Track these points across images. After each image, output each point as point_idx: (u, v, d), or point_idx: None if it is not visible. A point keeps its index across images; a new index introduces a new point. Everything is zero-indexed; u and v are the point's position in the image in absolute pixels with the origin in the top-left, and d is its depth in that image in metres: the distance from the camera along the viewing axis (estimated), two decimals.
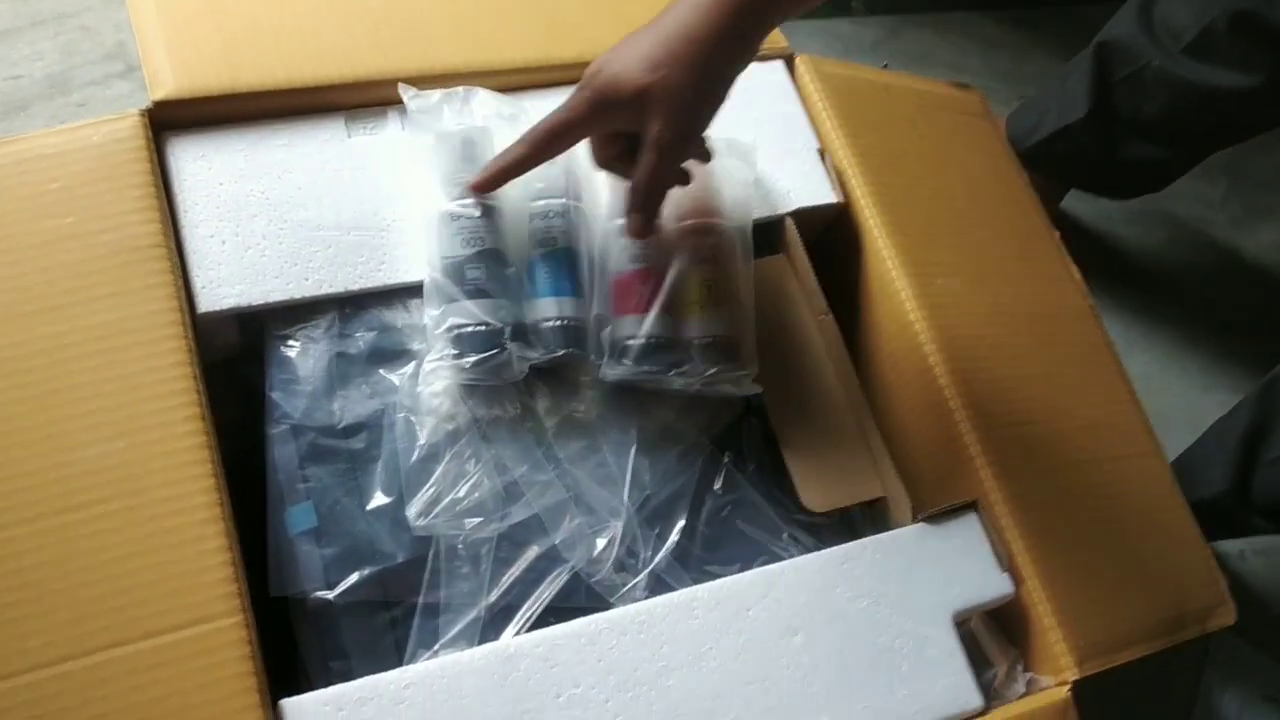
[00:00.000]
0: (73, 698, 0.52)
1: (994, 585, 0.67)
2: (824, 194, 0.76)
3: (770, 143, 0.77)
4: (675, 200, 0.69)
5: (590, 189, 0.69)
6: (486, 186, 0.64)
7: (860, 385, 0.71)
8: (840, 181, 0.77)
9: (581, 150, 0.69)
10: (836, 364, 0.72)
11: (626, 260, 0.67)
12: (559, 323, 0.65)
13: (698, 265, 0.68)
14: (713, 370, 0.66)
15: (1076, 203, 1.26)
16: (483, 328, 0.63)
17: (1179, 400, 1.15)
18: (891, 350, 0.75)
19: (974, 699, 0.63)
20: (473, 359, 0.62)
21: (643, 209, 0.63)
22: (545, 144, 0.62)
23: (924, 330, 0.73)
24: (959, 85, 0.95)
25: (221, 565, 0.55)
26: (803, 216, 0.76)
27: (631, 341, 0.65)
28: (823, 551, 0.65)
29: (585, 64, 0.75)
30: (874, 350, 0.76)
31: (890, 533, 0.67)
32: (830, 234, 0.79)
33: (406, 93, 0.67)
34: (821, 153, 0.78)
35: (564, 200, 0.66)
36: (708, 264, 0.68)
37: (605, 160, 0.65)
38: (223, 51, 0.67)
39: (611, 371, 0.65)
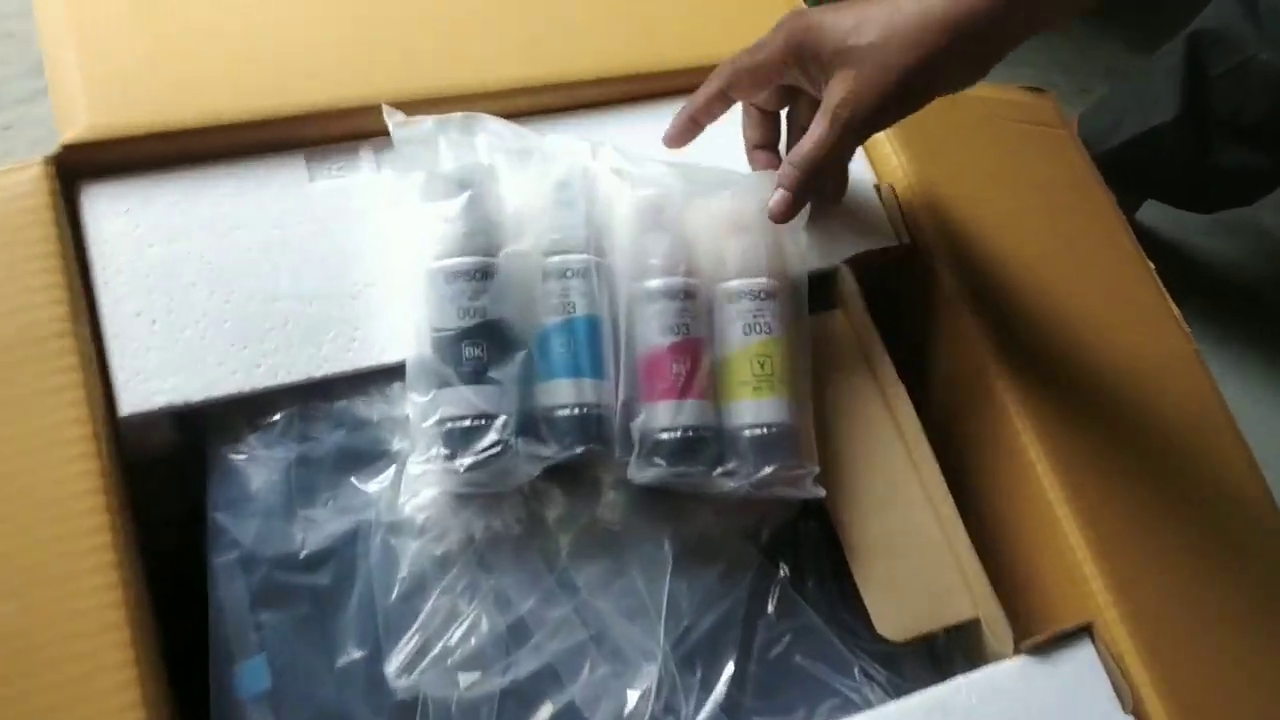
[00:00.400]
0: None
1: None
2: (884, 235, 0.63)
3: None
4: (718, 255, 0.56)
5: (613, 241, 0.55)
6: (679, 141, 0.58)
7: (943, 477, 0.58)
8: (903, 218, 0.64)
9: (604, 191, 0.55)
10: (911, 448, 0.59)
11: (658, 330, 0.54)
12: (576, 411, 0.51)
13: (749, 336, 0.54)
14: (767, 469, 0.53)
15: (1149, 211, 1.12)
16: (482, 421, 0.50)
17: (1275, 438, 1.02)
18: (976, 428, 0.61)
19: None
20: (469, 459, 0.49)
21: (795, 188, 0.55)
22: (737, 83, 0.56)
23: (1014, 402, 0.59)
24: (1030, 89, 0.81)
25: None
26: (859, 263, 0.63)
27: (666, 434, 0.52)
28: (905, 700, 0.52)
29: (596, 82, 0.63)
30: (954, 429, 0.62)
31: (987, 670, 0.54)
32: (892, 283, 0.65)
33: (392, 118, 0.54)
34: (878, 186, 0.65)
35: (585, 256, 0.53)
36: (761, 334, 0.54)
37: (757, 140, 0.60)
38: (151, 76, 0.54)
39: (641, 473, 0.52)
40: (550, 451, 0.50)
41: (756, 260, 0.56)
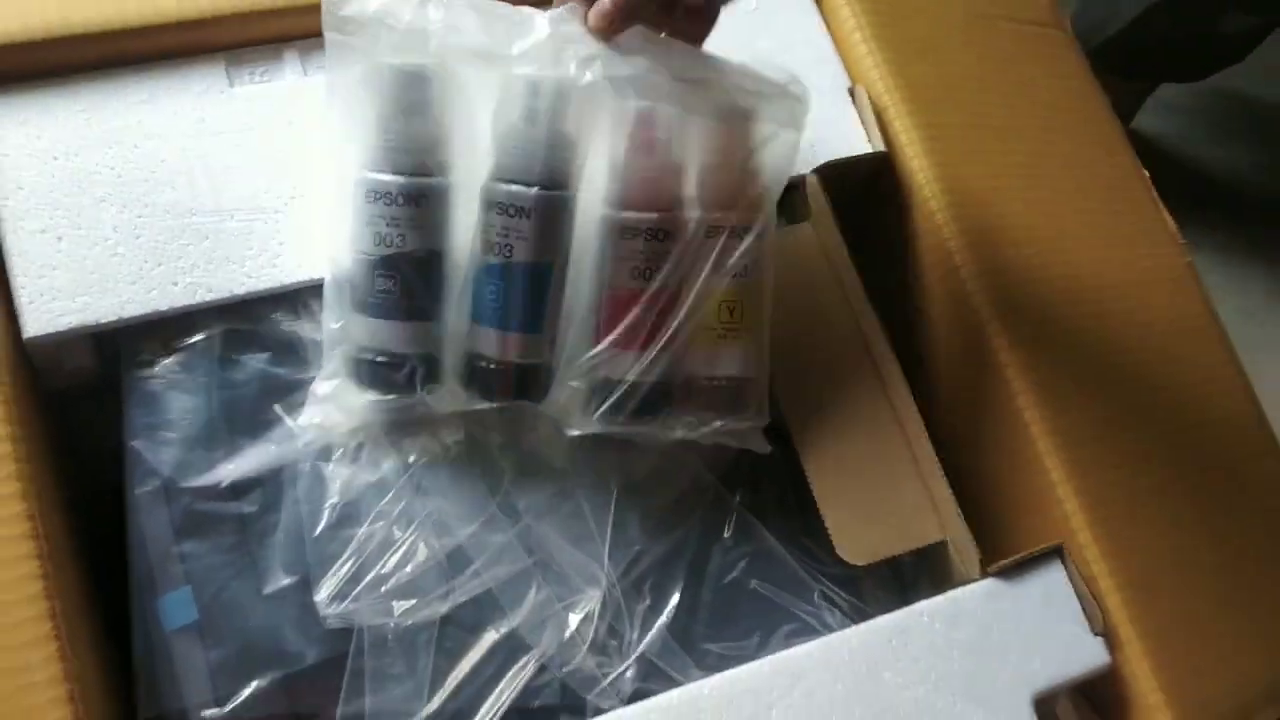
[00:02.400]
0: None
1: (1085, 654, 0.52)
2: (858, 142, 0.59)
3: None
4: (701, 184, 0.50)
5: (590, 159, 0.49)
6: (608, 26, 0.46)
7: (912, 396, 0.55)
8: (880, 124, 0.60)
9: (586, 99, 0.48)
10: (879, 366, 0.56)
11: (629, 273, 0.48)
12: (497, 367, 0.47)
13: (722, 277, 0.50)
14: (716, 423, 0.50)
15: (1151, 120, 1.07)
16: (383, 360, 0.47)
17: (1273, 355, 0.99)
18: (950, 346, 0.58)
19: None
20: (376, 397, 0.47)
21: None
22: None
23: (991, 318, 0.56)
24: None
25: (55, 702, 0.40)
26: (831, 173, 0.59)
27: (626, 391, 0.48)
28: (866, 625, 0.50)
29: None
30: (928, 347, 0.59)
31: (951, 595, 0.51)
32: (867, 195, 0.62)
33: None
34: (851, 90, 0.61)
35: (537, 191, 0.46)
36: (737, 277, 0.50)
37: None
38: None
39: (588, 428, 0.49)
40: (468, 403, 0.48)
41: (741, 191, 0.50)
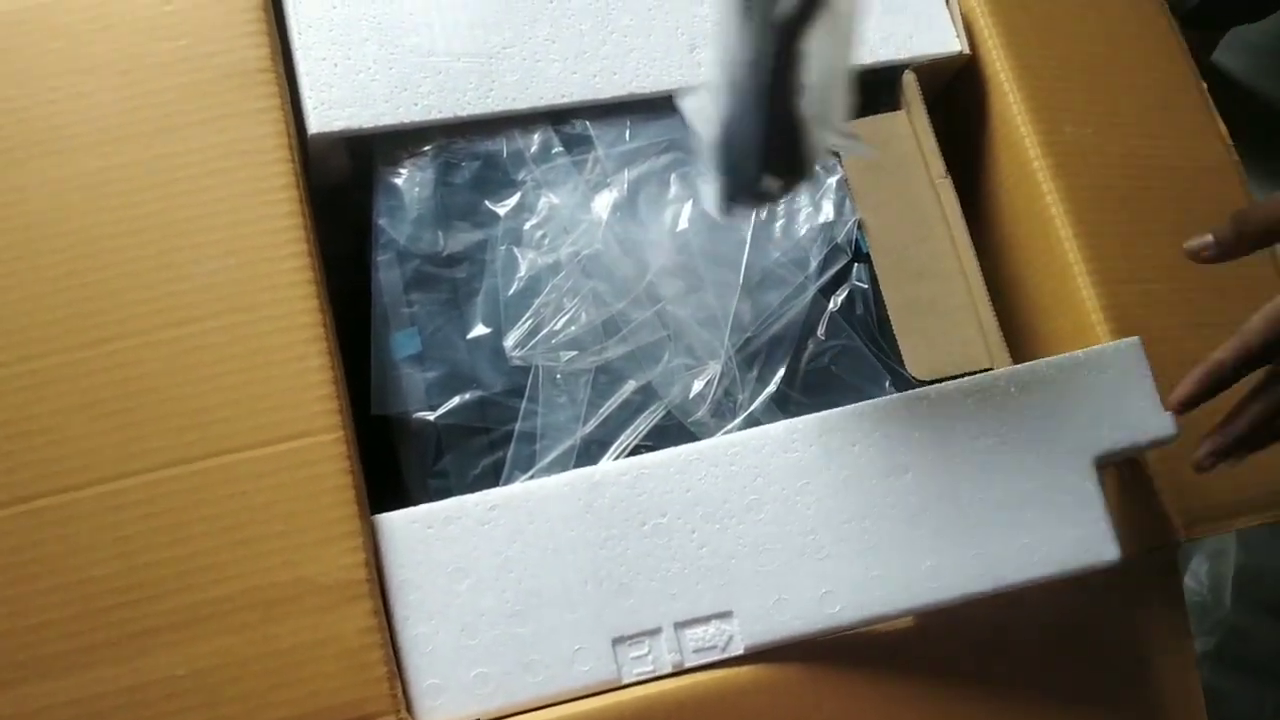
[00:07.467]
0: (184, 498, 0.50)
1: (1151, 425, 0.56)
2: (948, 42, 0.67)
3: None
4: None
5: None
6: (1188, 404, 0.52)
7: (976, 253, 0.63)
8: (966, 25, 0.68)
9: None
10: (952, 229, 0.64)
11: None
12: None
13: None
14: None
15: (1224, 56, 1.10)
16: None
17: None
18: (1012, 203, 0.66)
19: (1108, 550, 0.55)
20: None
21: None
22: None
23: (1047, 180, 0.64)
24: None
25: (323, 383, 0.52)
26: (923, 69, 0.67)
27: None
28: (948, 383, 0.57)
29: None
30: (995, 209, 0.67)
31: (1032, 364, 0.58)
32: (953, 90, 0.69)
33: None
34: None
35: None
36: None
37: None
38: None
39: None
40: None
41: None
